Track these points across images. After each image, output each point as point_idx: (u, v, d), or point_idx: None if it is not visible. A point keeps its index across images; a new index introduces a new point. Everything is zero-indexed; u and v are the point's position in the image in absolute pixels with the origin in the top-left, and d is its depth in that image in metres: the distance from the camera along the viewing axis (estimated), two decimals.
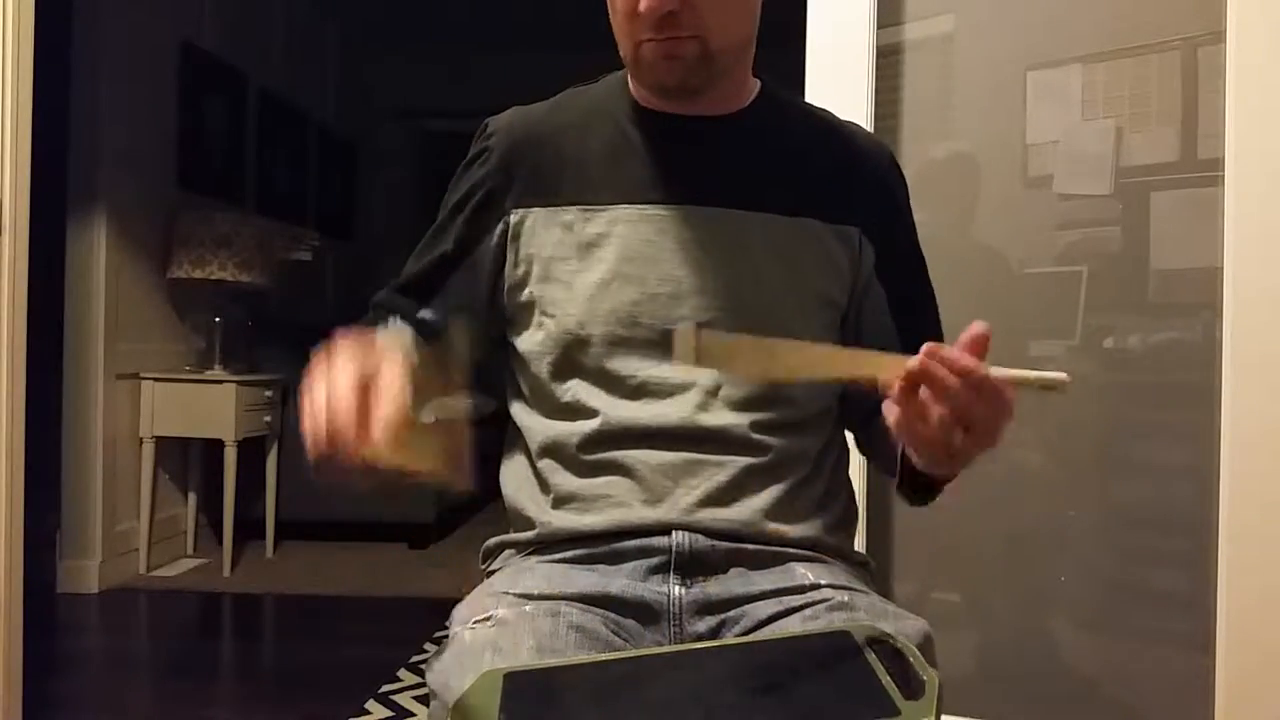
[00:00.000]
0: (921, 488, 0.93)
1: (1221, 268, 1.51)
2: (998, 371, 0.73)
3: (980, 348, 0.73)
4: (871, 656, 0.71)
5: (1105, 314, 1.70)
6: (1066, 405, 1.74)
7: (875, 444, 1.04)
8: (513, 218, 1.01)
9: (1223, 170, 1.52)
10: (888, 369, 0.75)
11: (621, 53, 0.98)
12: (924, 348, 0.73)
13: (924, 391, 0.73)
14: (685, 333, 0.71)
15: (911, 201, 1.09)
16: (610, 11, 0.96)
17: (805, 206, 0.99)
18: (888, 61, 1.81)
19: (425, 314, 1.02)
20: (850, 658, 0.72)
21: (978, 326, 0.74)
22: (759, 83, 1.06)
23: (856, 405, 1.07)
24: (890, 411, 0.77)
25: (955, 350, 0.73)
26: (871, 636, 0.74)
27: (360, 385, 0.73)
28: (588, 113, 1.04)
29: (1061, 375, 0.73)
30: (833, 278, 1.00)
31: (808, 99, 1.60)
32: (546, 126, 1.03)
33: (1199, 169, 1.61)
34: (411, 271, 1.06)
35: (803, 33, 1.80)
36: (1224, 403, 1.50)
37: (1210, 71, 1.57)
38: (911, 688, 0.67)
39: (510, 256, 1.01)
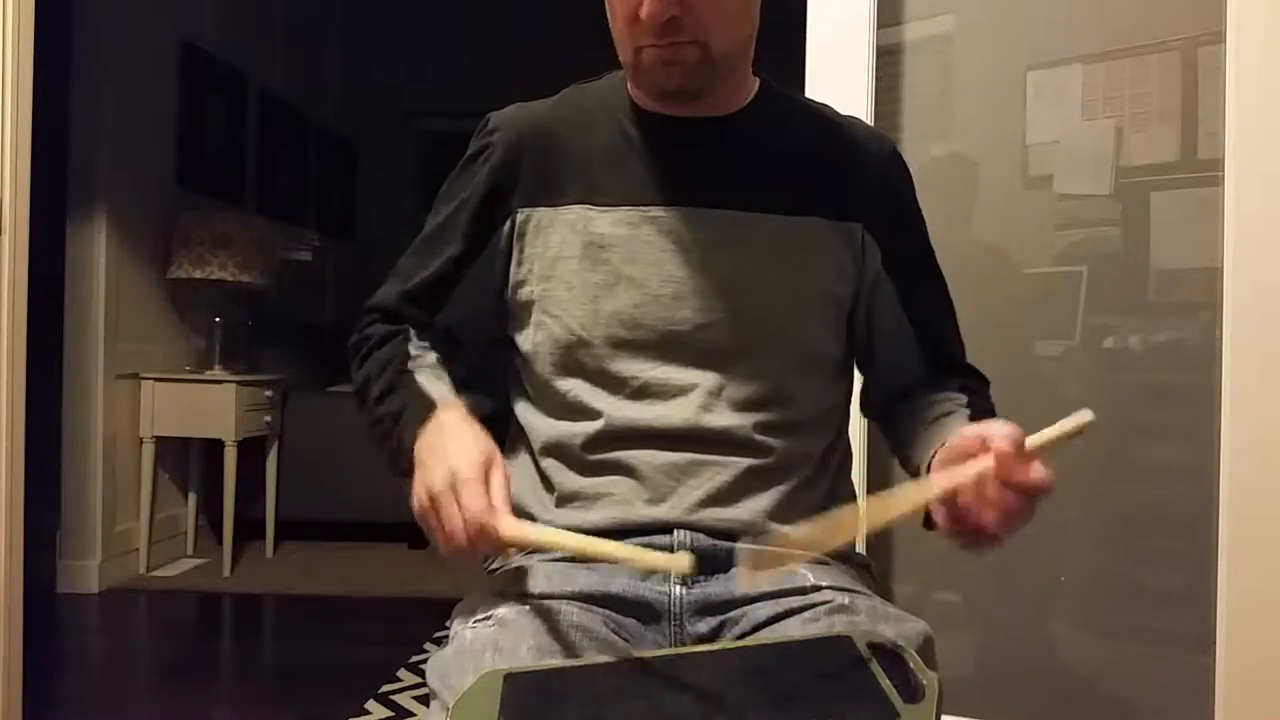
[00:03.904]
0: None
1: (1221, 268, 1.51)
2: (1031, 442, 0.76)
3: (1018, 450, 0.76)
4: (871, 660, 0.71)
5: (1105, 314, 1.70)
6: (1066, 405, 1.74)
7: (902, 459, 1.04)
8: (519, 216, 1.01)
9: (1223, 170, 1.52)
10: (931, 490, 0.78)
11: (621, 57, 0.98)
12: (962, 487, 0.76)
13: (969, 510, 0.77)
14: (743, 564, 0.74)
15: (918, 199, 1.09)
16: (609, 16, 0.96)
17: (807, 205, 0.99)
18: (888, 61, 1.81)
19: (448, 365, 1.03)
20: (850, 661, 0.72)
21: (1008, 439, 0.76)
22: (758, 81, 1.05)
23: (877, 397, 1.08)
24: (938, 518, 0.80)
25: (999, 449, 0.75)
26: (871, 640, 0.74)
27: (480, 478, 0.81)
28: (590, 111, 1.04)
29: (1086, 415, 0.75)
30: (836, 276, 1.00)
31: (811, 99, 1.59)
32: (549, 123, 1.03)
33: (1199, 169, 1.61)
34: (420, 276, 1.04)
35: (803, 33, 1.80)
36: (1224, 403, 1.50)
37: (1210, 71, 1.57)
38: (911, 691, 0.67)
39: (515, 255, 1.01)
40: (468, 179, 1.04)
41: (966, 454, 0.79)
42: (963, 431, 0.81)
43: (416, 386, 0.96)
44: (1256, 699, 1.47)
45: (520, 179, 1.01)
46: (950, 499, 0.78)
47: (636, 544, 0.93)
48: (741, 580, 0.75)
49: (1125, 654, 1.68)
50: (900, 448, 1.04)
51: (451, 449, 0.84)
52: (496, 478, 0.82)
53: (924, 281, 1.07)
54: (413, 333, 1.03)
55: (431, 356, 1.01)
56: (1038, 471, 0.76)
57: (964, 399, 0.98)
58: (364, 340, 1.05)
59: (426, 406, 0.92)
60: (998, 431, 0.76)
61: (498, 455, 0.85)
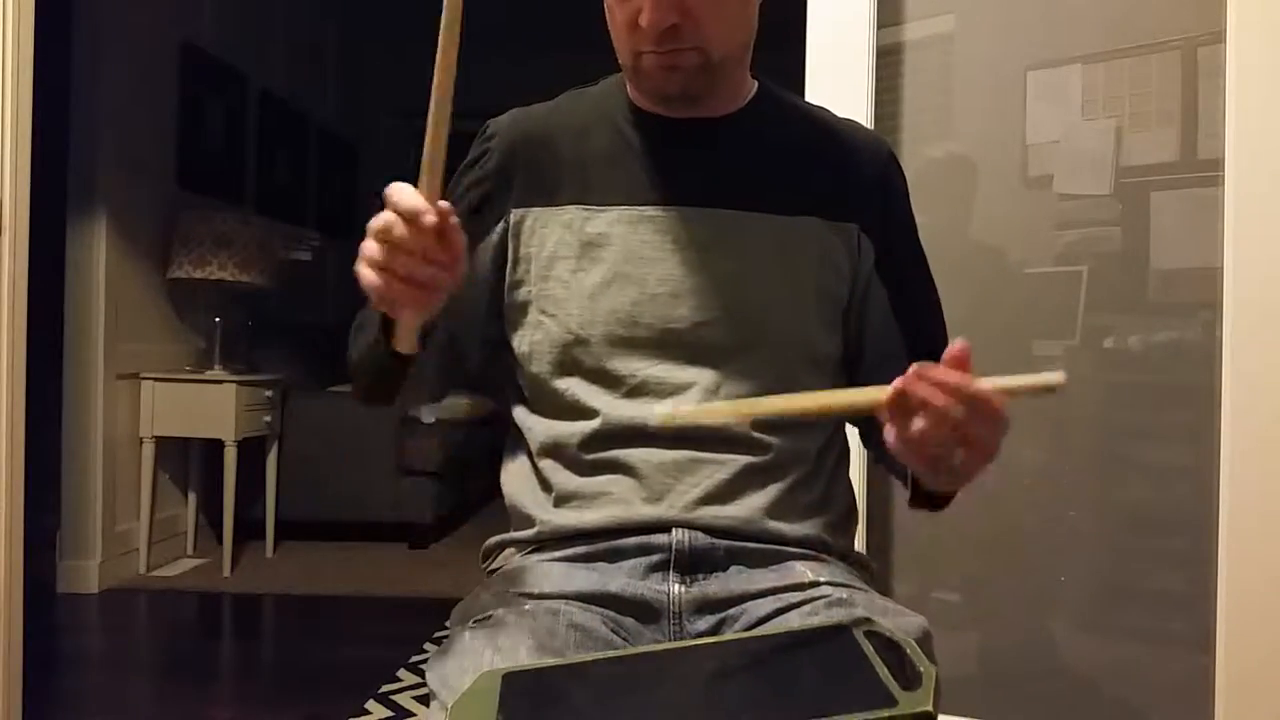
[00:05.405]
0: (932, 498, 0.93)
1: (1221, 268, 1.51)
2: (988, 382, 0.73)
3: (963, 364, 0.73)
4: (869, 649, 0.71)
5: (1105, 314, 1.70)
6: (1066, 405, 1.74)
7: (883, 456, 1.04)
8: (513, 217, 1.01)
9: (1223, 170, 1.52)
10: (873, 396, 0.75)
11: (620, 60, 0.98)
12: (910, 369, 0.73)
13: (916, 414, 0.74)
14: (665, 417, 0.70)
15: (911, 201, 1.09)
16: (609, 21, 0.96)
17: (803, 205, 0.99)
18: (888, 61, 1.81)
19: None
20: (847, 650, 0.72)
21: (957, 345, 0.74)
22: (756, 83, 1.06)
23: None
24: (889, 434, 0.77)
25: (941, 368, 0.73)
26: (869, 629, 0.74)
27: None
28: (587, 115, 1.04)
29: (1056, 376, 0.73)
30: (833, 275, 1.00)
31: (808, 99, 1.59)
32: (546, 128, 1.03)
33: (1199, 169, 1.61)
34: None
35: (803, 33, 1.80)
36: (1224, 403, 1.50)
37: (1210, 71, 1.57)
38: (909, 678, 0.67)
39: (511, 256, 1.01)
40: (464, 184, 1.05)
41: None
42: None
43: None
44: (1256, 699, 1.47)
45: (515, 181, 1.02)
46: (894, 404, 0.74)
47: (635, 544, 0.93)
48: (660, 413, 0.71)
49: (1125, 654, 1.68)
50: (890, 467, 1.03)
51: None
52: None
53: (915, 285, 1.07)
54: None
55: None
56: (984, 389, 0.73)
57: None
58: (360, 324, 1.04)
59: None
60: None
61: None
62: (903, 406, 0.74)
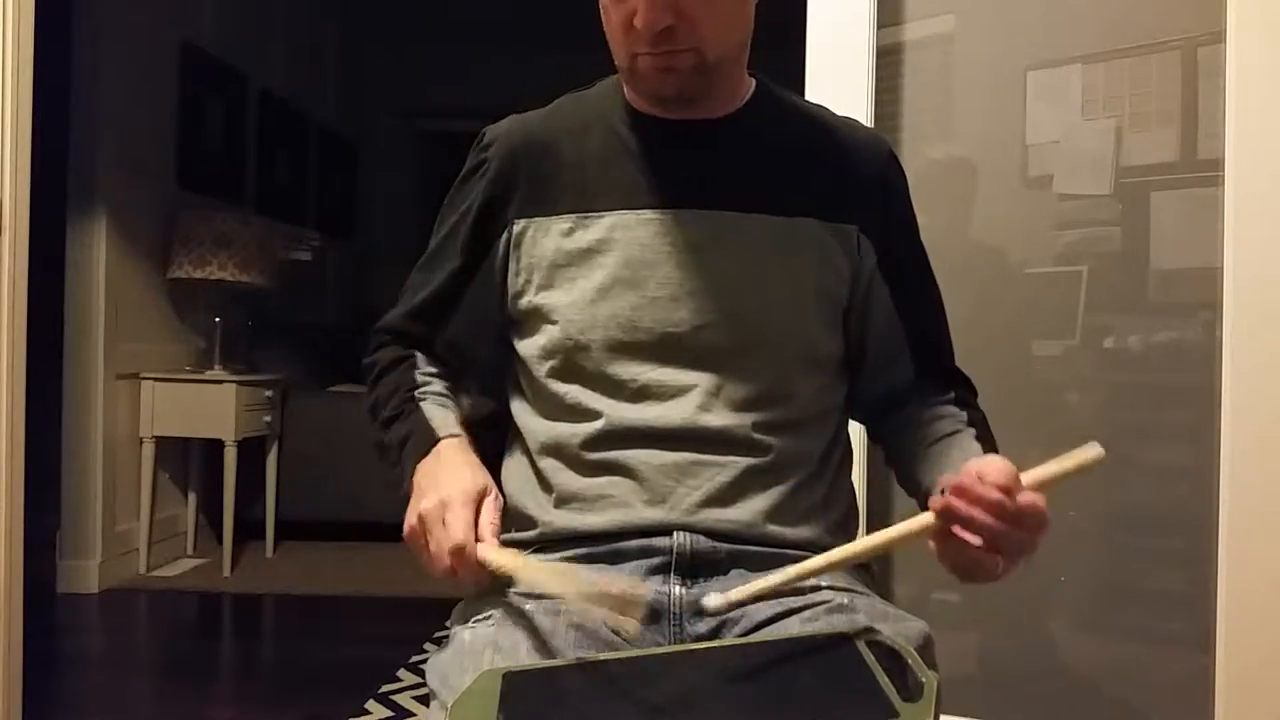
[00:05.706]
0: None
1: (1221, 268, 1.51)
2: (1031, 476, 0.77)
3: (1012, 483, 0.77)
4: (870, 658, 0.71)
5: (1105, 314, 1.70)
6: (1066, 405, 1.74)
7: (903, 476, 1.05)
8: (515, 227, 1.01)
9: (1223, 170, 1.52)
10: (918, 523, 0.79)
11: (617, 62, 0.98)
12: (950, 488, 0.78)
13: (957, 529, 0.78)
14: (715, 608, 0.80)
15: (912, 200, 1.09)
16: (605, 23, 0.96)
17: (803, 206, 0.99)
18: (888, 61, 1.81)
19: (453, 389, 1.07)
20: (849, 659, 0.72)
21: (1001, 474, 0.77)
22: (754, 82, 1.05)
23: (866, 399, 1.07)
24: (933, 547, 0.81)
25: (982, 484, 0.77)
26: (870, 638, 0.74)
27: (472, 505, 0.85)
28: (584, 119, 1.04)
29: (1095, 450, 0.75)
30: (833, 275, 1.00)
31: (808, 99, 1.60)
32: (544, 134, 1.03)
33: (1199, 169, 1.61)
34: (424, 293, 1.06)
35: (803, 33, 1.80)
36: (1224, 403, 1.50)
37: (1210, 71, 1.57)
38: (910, 690, 0.67)
39: (513, 265, 1.02)
40: (465, 194, 1.05)
41: None
42: (964, 468, 0.82)
43: (421, 416, 0.98)
44: (1256, 699, 1.47)
45: (516, 190, 1.02)
46: (939, 532, 0.80)
47: (636, 546, 0.93)
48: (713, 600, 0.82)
49: (1125, 654, 1.68)
50: (900, 465, 1.04)
51: (446, 478, 0.87)
52: (488, 508, 0.85)
53: (917, 283, 1.07)
54: (419, 358, 1.06)
55: (438, 384, 1.04)
56: (1026, 497, 0.77)
57: (964, 415, 0.99)
58: (373, 364, 1.08)
59: (429, 438, 0.95)
60: (991, 468, 0.78)
61: (493, 487, 0.88)
62: (946, 525, 0.78)
